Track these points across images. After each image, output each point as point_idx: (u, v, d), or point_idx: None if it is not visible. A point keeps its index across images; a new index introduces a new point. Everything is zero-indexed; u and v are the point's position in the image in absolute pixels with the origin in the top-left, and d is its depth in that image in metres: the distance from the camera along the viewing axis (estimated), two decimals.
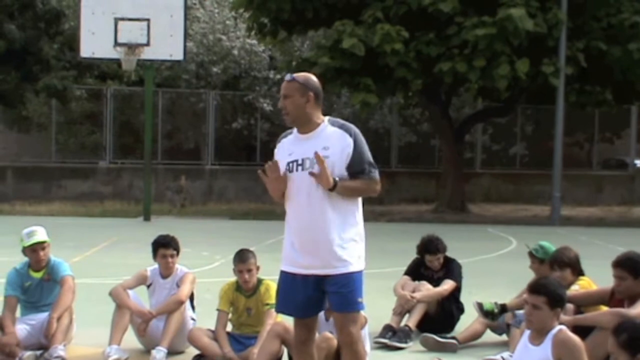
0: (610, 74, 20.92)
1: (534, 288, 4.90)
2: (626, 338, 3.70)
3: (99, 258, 12.64)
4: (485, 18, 18.60)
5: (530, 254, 7.07)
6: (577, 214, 22.84)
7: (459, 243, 14.00)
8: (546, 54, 19.90)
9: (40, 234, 6.57)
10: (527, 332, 5.03)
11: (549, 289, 4.86)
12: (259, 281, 6.49)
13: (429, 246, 7.61)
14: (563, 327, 4.88)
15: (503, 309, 6.59)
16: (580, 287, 6.29)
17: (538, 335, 4.86)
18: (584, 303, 5.98)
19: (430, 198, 24.33)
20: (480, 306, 6.55)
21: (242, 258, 6.44)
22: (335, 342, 5.73)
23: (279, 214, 21.72)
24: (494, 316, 6.61)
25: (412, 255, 7.98)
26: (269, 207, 22.10)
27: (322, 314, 5.94)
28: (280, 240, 15.53)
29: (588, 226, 19.98)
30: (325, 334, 5.82)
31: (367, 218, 19.04)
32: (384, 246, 14.06)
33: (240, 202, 23.65)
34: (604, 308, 5.82)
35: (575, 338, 4.74)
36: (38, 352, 6.20)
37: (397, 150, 27.21)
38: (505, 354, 6.28)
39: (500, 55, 18.81)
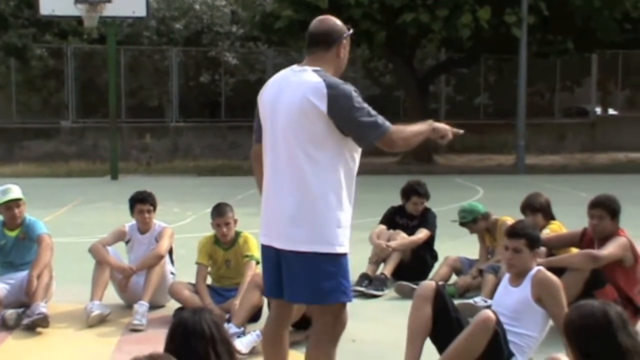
0: (571, 22, 21.07)
1: (513, 232, 5.02)
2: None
3: (70, 217, 12.60)
4: None
5: (462, 224, 7.42)
6: (540, 162, 23.17)
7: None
8: (509, 4, 19.98)
9: (15, 192, 6.57)
10: (507, 276, 5.14)
11: (526, 231, 5.00)
12: (237, 234, 6.57)
13: (418, 188, 7.76)
14: (541, 267, 4.98)
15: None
16: (551, 230, 6.48)
17: (518, 277, 4.97)
18: (556, 246, 6.14)
19: None
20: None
21: (220, 212, 6.50)
22: None
23: (245, 170, 21.83)
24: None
25: (382, 205, 8.11)
26: (235, 163, 22.14)
27: None
28: (251, 195, 15.79)
29: (552, 174, 20.29)
30: None
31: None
32: (357, 197, 14.18)
33: (207, 159, 23.61)
34: (575, 250, 5.99)
35: (553, 277, 4.86)
36: (20, 310, 6.23)
37: None
38: (478, 298, 6.45)
39: (462, 5, 18.85)
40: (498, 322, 4.67)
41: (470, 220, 7.31)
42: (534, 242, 4.96)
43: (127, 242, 6.90)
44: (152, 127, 24.57)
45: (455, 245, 8.14)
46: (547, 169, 21.40)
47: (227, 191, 15.44)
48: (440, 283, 6.85)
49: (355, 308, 6.68)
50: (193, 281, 6.52)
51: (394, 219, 7.83)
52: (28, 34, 22.00)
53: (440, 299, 5.00)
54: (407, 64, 23.03)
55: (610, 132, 27.71)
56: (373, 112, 3.96)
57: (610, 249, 5.69)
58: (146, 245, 6.78)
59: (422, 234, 7.59)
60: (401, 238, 7.53)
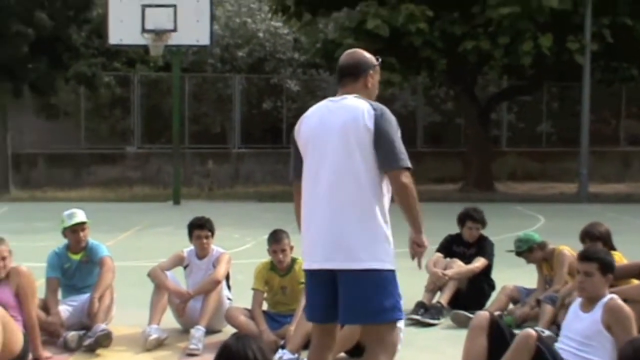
0: (636, 49, 20.78)
1: (585, 255, 5.00)
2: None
3: (132, 241, 12.86)
4: None
5: (518, 254, 7.36)
6: (604, 190, 22.77)
7: (488, 221, 14.07)
8: (571, 31, 19.81)
9: (80, 216, 6.76)
10: (578, 301, 5.10)
11: (599, 255, 4.99)
12: (293, 260, 6.63)
13: (473, 214, 7.76)
14: (615, 295, 4.94)
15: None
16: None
17: (589, 303, 4.93)
18: (616, 276, 6.05)
19: (456, 177, 24.34)
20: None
21: (276, 238, 6.58)
22: None
23: None
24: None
25: (440, 234, 8.08)
26: None
27: None
28: None
29: (616, 202, 19.94)
30: None
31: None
32: None
33: (268, 184, 23.81)
34: (635, 282, 5.91)
35: (626, 307, 4.80)
36: (81, 332, 6.39)
37: (422, 131, 27.22)
38: (538, 328, 6.39)
39: (524, 32, 18.76)
40: (540, 339, 4.75)
41: (526, 249, 7.26)
42: (606, 267, 4.91)
43: (185, 267, 7.02)
44: (214, 153, 24.92)
45: (513, 275, 8.07)
46: (611, 198, 21.02)
47: (287, 217, 15.38)
48: (497, 313, 6.83)
49: (410, 336, 6.70)
50: (250, 307, 6.60)
51: (451, 247, 7.81)
52: (97, 62, 22.60)
53: (496, 329, 5.03)
54: (468, 92, 22.96)
55: None
56: (404, 148, 4.21)
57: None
58: (204, 270, 6.88)
59: (479, 262, 7.55)
60: (458, 266, 7.50)
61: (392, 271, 4.24)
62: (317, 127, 4.32)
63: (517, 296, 7.32)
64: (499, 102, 25.37)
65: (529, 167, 26.52)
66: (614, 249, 6.61)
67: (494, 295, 7.60)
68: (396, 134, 4.19)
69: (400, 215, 4.40)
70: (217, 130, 27.29)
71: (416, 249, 4.33)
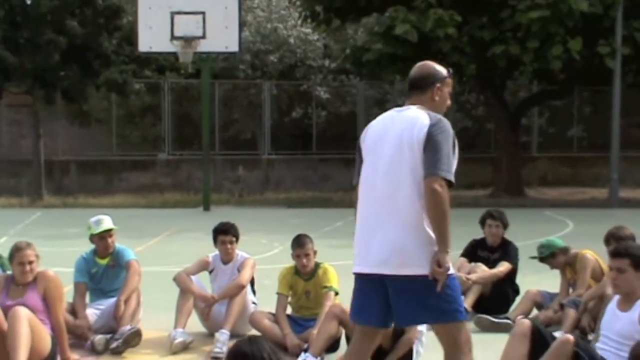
0: None
1: (617, 252, 5.03)
2: None
3: (162, 247, 13.00)
4: (538, 0, 18.45)
5: (542, 260, 7.40)
6: (636, 195, 22.52)
7: (516, 226, 13.88)
8: (602, 35, 19.67)
9: (107, 222, 6.88)
10: (615, 299, 5.12)
11: (631, 251, 4.99)
12: (317, 265, 6.69)
13: (492, 212, 7.82)
14: None
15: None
16: None
17: (626, 301, 4.96)
18: None
19: (486, 183, 24.24)
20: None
21: (300, 243, 6.65)
22: None
23: (335, 202, 21.94)
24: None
25: (467, 238, 8.10)
26: (326, 195, 22.33)
27: None
28: (337, 228, 15.90)
29: None
30: None
31: None
32: None
33: (297, 190, 23.89)
34: None
35: None
36: (108, 336, 6.49)
37: None
38: (558, 333, 6.36)
39: (553, 36, 18.67)
40: (578, 344, 4.81)
41: (549, 255, 7.29)
42: (638, 263, 4.90)
43: (210, 272, 7.11)
44: (244, 160, 25.07)
45: (537, 279, 8.06)
46: None
47: (315, 223, 15.62)
48: (520, 317, 6.84)
49: (435, 341, 6.69)
50: (274, 311, 6.67)
51: (475, 252, 7.82)
52: (128, 70, 22.85)
53: (538, 336, 5.13)
54: (498, 96, 22.88)
55: None
56: (453, 160, 4.26)
57: None
58: (229, 275, 6.96)
59: (503, 267, 7.56)
60: (482, 271, 7.52)
61: (450, 275, 4.26)
62: (378, 136, 4.45)
63: (540, 301, 7.32)
64: (530, 107, 25.23)
65: (559, 172, 26.32)
66: None
67: (518, 299, 7.60)
68: (445, 144, 4.22)
69: None
70: (248, 137, 27.44)
71: (435, 270, 4.17)
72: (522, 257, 7.86)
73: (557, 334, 6.32)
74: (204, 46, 18.39)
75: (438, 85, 4.50)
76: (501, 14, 19.26)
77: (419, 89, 4.50)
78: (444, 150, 4.20)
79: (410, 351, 5.96)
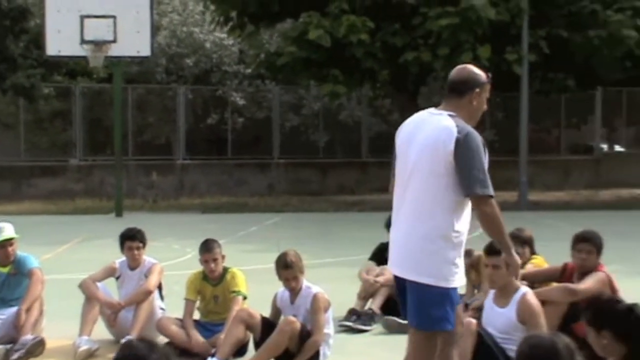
0: (572, 60, 21.26)
1: (492, 250, 5.40)
2: (590, 315, 3.93)
3: (70, 254, 12.74)
4: (448, 8, 18.82)
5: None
6: (545, 198, 23.16)
7: None
8: (510, 42, 20.19)
9: (8, 230, 6.71)
10: (491, 294, 5.50)
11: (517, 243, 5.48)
12: (225, 270, 6.68)
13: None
14: (528, 290, 5.35)
15: None
16: (534, 265, 6.62)
17: (503, 297, 5.36)
18: (537, 280, 6.26)
19: None
20: None
21: (207, 248, 6.63)
22: (298, 325, 5.92)
23: (251, 207, 21.82)
24: None
25: (376, 242, 8.20)
26: (241, 200, 22.27)
27: (286, 295, 6.19)
28: (252, 233, 15.78)
29: (555, 210, 20.31)
30: (289, 317, 6.01)
31: (339, 208, 19.45)
32: (353, 235, 14.29)
33: (213, 196, 23.74)
34: (554, 284, 6.08)
35: (537, 303, 5.24)
36: (8, 346, 6.33)
37: (367, 141, 27.41)
38: None
39: (463, 44, 19.06)
40: (480, 326, 5.32)
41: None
42: None
43: (117, 278, 7.02)
44: (158, 165, 24.79)
45: None
46: (551, 206, 21.41)
47: (230, 228, 15.57)
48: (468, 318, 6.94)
49: (342, 343, 6.79)
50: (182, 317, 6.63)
51: (383, 255, 7.87)
52: (36, 74, 22.31)
53: (482, 333, 5.41)
54: (412, 102, 23.21)
55: (615, 169, 27.69)
56: (485, 172, 4.29)
57: (588, 284, 5.79)
58: (136, 281, 6.89)
59: None
60: (389, 274, 7.59)
61: (447, 289, 4.32)
62: (407, 138, 4.50)
63: None
64: None
65: None
66: (536, 254, 6.83)
67: None
68: (475, 158, 4.24)
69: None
70: (162, 142, 27.14)
71: (508, 271, 4.66)
72: None
73: None
74: (115, 50, 18.11)
75: (477, 90, 4.49)
76: (413, 20, 19.57)
77: (457, 93, 4.48)
78: (475, 166, 4.23)
79: (317, 354, 6.01)
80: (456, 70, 4.59)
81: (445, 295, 4.31)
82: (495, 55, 19.62)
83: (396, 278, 4.57)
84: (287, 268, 6.08)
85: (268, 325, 6.12)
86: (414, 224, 4.35)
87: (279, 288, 6.41)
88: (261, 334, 6.10)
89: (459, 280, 4.38)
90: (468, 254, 7.37)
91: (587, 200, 22.83)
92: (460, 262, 4.38)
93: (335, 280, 9.24)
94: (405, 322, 7.01)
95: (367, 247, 8.27)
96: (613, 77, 23.49)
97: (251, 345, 6.29)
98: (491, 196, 4.30)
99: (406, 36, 19.58)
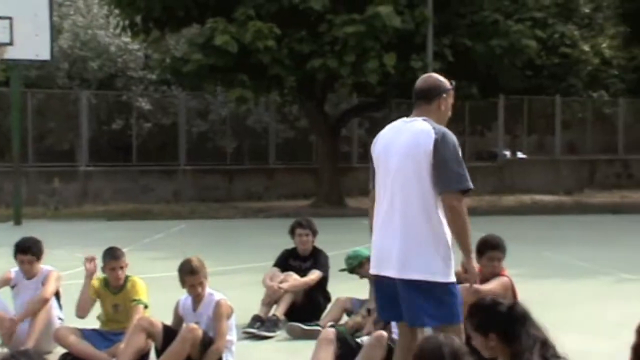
0: (475, 69, 21.75)
1: None
2: (475, 321, 3.99)
3: None
4: (354, 15, 18.99)
5: (351, 271, 7.57)
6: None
7: (334, 236, 14.25)
8: (415, 50, 20.51)
9: None
10: None
11: None
12: (126, 278, 6.54)
13: (301, 221, 7.95)
14: None
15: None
16: None
17: None
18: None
19: (309, 193, 24.62)
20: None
21: (114, 255, 6.50)
22: (200, 332, 5.84)
23: (156, 214, 21.47)
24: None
25: (282, 249, 8.17)
26: (146, 207, 21.93)
27: (189, 302, 6.10)
28: (156, 240, 15.53)
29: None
30: (191, 325, 5.93)
31: (246, 215, 19.26)
32: (260, 241, 14.22)
33: (117, 203, 23.29)
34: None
35: None
36: None
37: (275, 147, 27.40)
38: (367, 337, 6.53)
39: (370, 51, 19.25)
40: (391, 339, 5.25)
41: (357, 265, 7.46)
42: None
43: (13, 287, 6.79)
44: (60, 171, 24.13)
45: (349, 287, 8.22)
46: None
47: (134, 235, 15.30)
48: (330, 324, 6.98)
49: (246, 350, 6.74)
50: (80, 327, 6.45)
51: (287, 262, 7.90)
52: None
53: (343, 341, 5.54)
54: (319, 108, 23.33)
55: (517, 175, 28.47)
56: (464, 170, 4.52)
57: (492, 285, 5.91)
58: (33, 290, 6.67)
59: (314, 275, 7.67)
60: (293, 280, 7.60)
61: (445, 283, 4.52)
62: (386, 146, 4.71)
63: (350, 307, 7.48)
64: (349, 118, 25.88)
65: None
66: None
67: (329, 307, 7.73)
68: (454, 157, 4.48)
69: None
70: (65, 148, 26.48)
71: (462, 276, 4.65)
72: (338, 265, 8.00)
73: (365, 338, 6.52)
74: (11, 53, 17.53)
75: (444, 95, 4.76)
76: (319, 27, 19.67)
77: (426, 100, 4.72)
78: (452, 164, 4.46)
79: None
80: (422, 79, 4.87)
81: (445, 289, 4.53)
82: (401, 63, 19.89)
83: (384, 283, 4.68)
84: (192, 274, 6.01)
85: (170, 334, 6.01)
86: (408, 229, 4.53)
87: (182, 295, 6.32)
88: (163, 342, 5.99)
89: (454, 275, 4.62)
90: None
91: (490, 206, 23.36)
92: (452, 257, 4.60)
93: (240, 287, 9.17)
94: (308, 327, 7.10)
95: (274, 254, 8.24)
96: (514, 86, 24.18)
97: (153, 354, 6.17)
98: (467, 190, 4.52)
99: (313, 43, 19.67)
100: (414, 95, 4.80)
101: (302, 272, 7.73)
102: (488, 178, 28.49)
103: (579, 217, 19.97)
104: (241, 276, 10.57)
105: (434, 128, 4.53)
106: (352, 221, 19.17)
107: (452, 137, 4.54)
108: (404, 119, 4.78)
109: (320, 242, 8.21)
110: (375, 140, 4.86)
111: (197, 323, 5.98)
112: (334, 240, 12.56)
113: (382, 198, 4.71)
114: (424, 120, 4.61)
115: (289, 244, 8.09)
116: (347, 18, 19.03)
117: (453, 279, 4.59)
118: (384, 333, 5.27)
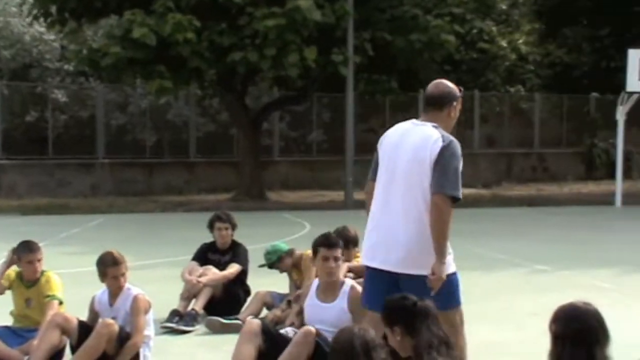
0: (395, 63, 21.97)
1: (331, 243, 5.63)
2: (384, 315, 4.11)
3: None
4: (274, 9, 18.93)
5: (270, 266, 7.72)
6: None
7: (255, 229, 14.29)
8: (336, 44, 20.57)
9: None
10: (312, 294, 5.51)
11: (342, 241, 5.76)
12: (41, 273, 6.39)
13: (220, 215, 7.92)
14: (354, 282, 5.54)
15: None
16: (360, 261, 6.76)
17: (329, 291, 5.46)
18: (362, 273, 6.39)
19: (230, 187, 24.49)
20: None
21: (32, 248, 6.37)
22: (116, 327, 5.76)
23: (73, 208, 21.05)
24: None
25: (202, 242, 8.13)
26: (62, 201, 21.49)
27: (105, 297, 6.02)
28: (73, 234, 15.30)
29: None
30: (106, 320, 5.84)
31: (165, 209, 19.03)
32: (179, 235, 14.09)
33: (33, 197, 22.74)
34: None
35: None
36: None
37: (195, 141, 27.15)
38: (289, 329, 6.52)
39: (290, 45, 19.23)
40: (319, 335, 5.24)
41: (276, 259, 7.52)
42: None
43: None
44: None
45: (270, 281, 8.23)
46: None
47: (51, 230, 14.99)
48: (249, 317, 6.96)
49: (164, 344, 6.68)
50: None
51: (206, 255, 7.85)
52: None
53: (268, 333, 5.46)
54: (240, 101, 23.22)
55: None
56: (459, 178, 4.69)
57: None
58: None
59: (233, 269, 7.65)
60: (212, 274, 7.56)
61: (449, 274, 4.68)
62: (395, 144, 4.86)
63: (270, 301, 7.49)
64: (271, 112, 25.82)
65: (300, 176, 27.17)
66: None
67: (249, 300, 7.71)
68: (453, 164, 4.65)
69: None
70: None
71: (430, 277, 4.57)
72: (258, 259, 7.98)
73: (288, 329, 6.52)
74: None
75: (454, 103, 4.93)
76: (239, 20, 19.54)
77: (437, 107, 4.88)
78: (451, 171, 4.63)
79: (137, 356, 5.87)
80: (435, 86, 4.98)
81: (450, 280, 4.69)
82: (322, 56, 19.93)
83: (377, 276, 4.80)
84: (115, 265, 5.97)
85: (86, 330, 5.90)
86: (410, 227, 4.70)
87: (98, 291, 6.22)
88: (78, 338, 5.88)
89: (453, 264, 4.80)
90: (290, 253, 7.48)
91: None
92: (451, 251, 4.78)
93: (158, 282, 9.08)
94: (227, 321, 7.07)
95: (193, 248, 8.18)
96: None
97: (68, 351, 6.05)
98: (458, 199, 4.65)
99: (233, 36, 19.53)
100: (425, 101, 5.01)
101: (221, 266, 7.70)
102: None
103: (497, 210, 20.39)
104: (160, 270, 10.47)
105: (442, 136, 4.71)
106: (273, 215, 19.19)
107: (458, 147, 4.74)
108: (413, 120, 4.96)
109: (240, 236, 8.19)
110: (382, 137, 5.03)
111: (113, 318, 5.89)
112: (255, 234, 12.58)
113: (380, 194, 4.86)
114: (434, 126, 4.78)
115: (209, 237, 8.05)
116: (267, 11, 18.95)
117: (453, 269, 4.76)
118: (312, 329, 5.19)
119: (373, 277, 4.87)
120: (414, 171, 4.72)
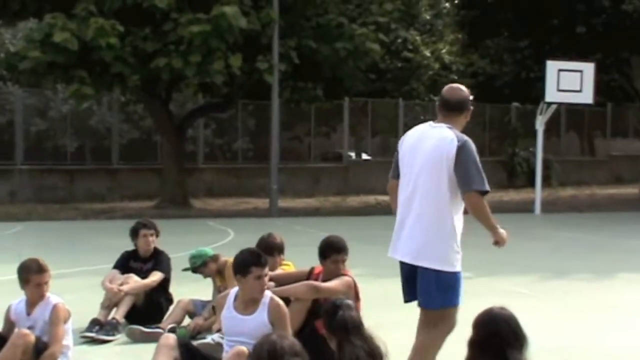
0: (320, 71, 22.05)
1: (264, 261, 5.38)
2: (324, 321, 4.13)
3: None
4: (200, 15, 18.81)
5: (194, 270, 7.60)
6: (295, 205, 23.82)
7: (178, 237, 14.14)
8: (261, 51, 20.54)
9: None
10: (229, 306, 5.38)
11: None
12: None
13: (144, 222, 7.84)
14: (273, 295, 5.40)
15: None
16: (285, 269, 6.77)
17: (249, 303, 5.29)
18: (285, 282, 6.36)
19: (153, 194, 24.22)
20: (174, 332, 6.65)
21: None
22: (32, 338, 5.61)
23: None
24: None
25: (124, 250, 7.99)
26: None
27: (22, 307, 5.86)
28: None
29: (305, 216, 20.91)
30: (22, 330, 5.68)
31: (87, 216, 18.66)
32: (100, 243, 13.85)
33: None
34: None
35: (284, 305, 5.39)
36: None
37: (118, 147, 26.77)
38: (215, 336, 6.44)
39: (216, 52, 19.13)
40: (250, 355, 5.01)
41: (201, 264, 7.45)
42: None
43: None
44: None
45: (193, 289, 8.14)
46: (301, 212, 22.03)
47: None
48: (171, 326, 6.88)
49: (84, 354, 6.54)
50: None
51: (127, 263, 7.72)
52: None
53: (184, 347, 5.41)
54: (164, 108, 22.98)
55: (361, 176, 29.09)
56: (482, 173, 5.08)
57: (332, 284, 6.01)
58: None
59: (155, 277, 7.54)
60: (134, 282, 7.43)
61: (454, 273, 5.09)
62: (413, 144, 5.25)
63: (192, 309, 7.40)
64: (195, 118, 25.65)
65: (225, 183, 27.04)
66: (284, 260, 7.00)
67: (171, 309, 7.61)
68: (472, 161, 5.04)
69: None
70: None
71: (497, 245, 5.26)
72: (181, 267, 7.88)
73: (214, 337, 6.44)
74: None
75: (470, 107, 5.34)
76: (164, 26, 19.35)
77: (456, 111, 5.28)
78: (472, 168, 5.02)
79: None
80: (451, 91, 5.34)
81: (452, 279, 5.08)
82: (247, 63, 19.89)
83: (403, 267, 5.25)
84: (40, 272, 5.83)
85: (1, 340, 5.73)
86: (424, 223, 5.10)
87: (14, 300, 6.05)
88: None
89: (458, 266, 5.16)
90: (215, 259, 7.42)
91: (335, 207, 23.77)
92: (460, 249, 5.16)
93: (80, 290, 8.90)
94: (149, 330, 6.96)
95: (115, 256, 8.02)
96: (359, 89, 24.64)
97: None
98: (487, 191, 5.06)
99: (157, 42, 19.34)
100: (443, 104, 5.30)
101: (143, 274, 7.58)
102: (333, 179, 29.01)
103: None
104: (80, 279, 10.25)
105: (457, 136, 5.08)
106: (196, 222, 19.02)
107: (472, 145, 5.09)
108: (431, 122, 5.32)
109: (164, 243, 8.09)
110: (402, 139, 5.42)
111: (30, 328, 5.73)
112: (179, 242, 12.45)
113: (402, 192, 5.28)
114: (449, 128, 5.15)
115: (131, 245, 7.92)
116: (192, 17, 18.83)
117: (459, 268, 5.12)
118: (244, 350, 4.98)
119: (400, 269, 5.33)
120: (431, 171, 5.10)
